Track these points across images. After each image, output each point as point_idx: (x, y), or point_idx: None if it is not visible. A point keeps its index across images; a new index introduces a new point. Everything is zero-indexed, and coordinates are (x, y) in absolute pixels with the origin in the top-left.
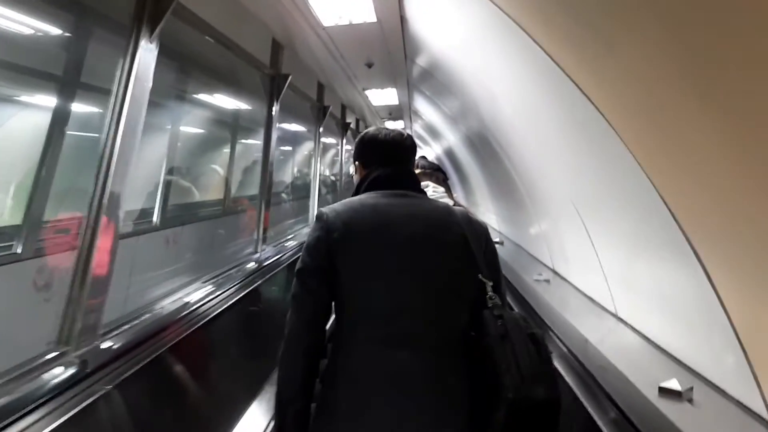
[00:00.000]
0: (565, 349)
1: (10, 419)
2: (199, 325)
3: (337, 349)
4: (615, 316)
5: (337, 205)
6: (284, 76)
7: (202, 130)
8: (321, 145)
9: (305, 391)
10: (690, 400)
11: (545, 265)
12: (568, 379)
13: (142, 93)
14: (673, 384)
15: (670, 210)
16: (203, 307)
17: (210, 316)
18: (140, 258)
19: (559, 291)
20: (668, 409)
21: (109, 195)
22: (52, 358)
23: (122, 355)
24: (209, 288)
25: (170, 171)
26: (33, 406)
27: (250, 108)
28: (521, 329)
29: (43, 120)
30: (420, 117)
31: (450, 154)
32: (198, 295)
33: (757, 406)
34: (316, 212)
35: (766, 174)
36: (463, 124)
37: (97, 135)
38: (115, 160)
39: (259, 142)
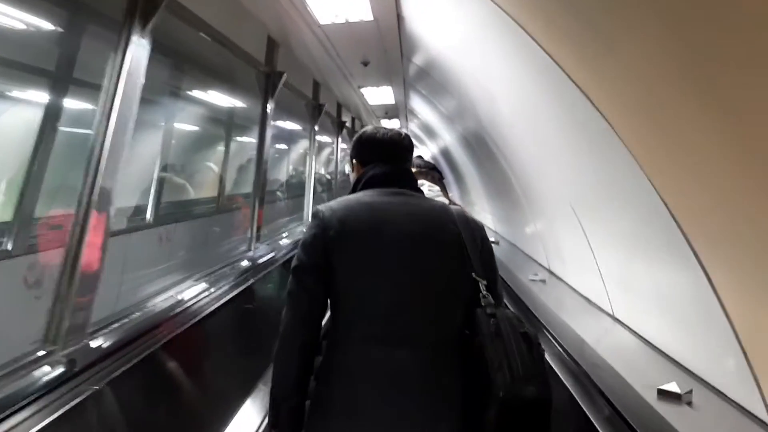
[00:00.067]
0: (561, 350)
1: None
2: (190, 323)
3: (332, 346)
4: (612, 317)
5: (334, 203)
6: (279, 73)
7: (196, 128)
8: (316, 144)
9: (300, 388)
10: (689, 403)
11: (541, 265)
12: (564, 379)
13: (133, 89)
14: (673, 387)
15: (669, 210)
16: (195, 305)
17: (202, 315)
18: (132, 255)
19: (555, 291)
20: (667, 411)
21: (99, 191)
22: (39, 357)
23: (112, 354)
24: (201, 286)
25: (164, 168)
26: (17, 406)
27: (245, 106)
28: (514, 328)
29: (35, 116)
30: (416, 116)
31: (446, 153)
32: (190, 293)
33: (758, 409)
34: (311, 210)
35: (767, 174)
36: (460, 123)
37: (89, 131)
38: (106, 156)
39: (254, 140)
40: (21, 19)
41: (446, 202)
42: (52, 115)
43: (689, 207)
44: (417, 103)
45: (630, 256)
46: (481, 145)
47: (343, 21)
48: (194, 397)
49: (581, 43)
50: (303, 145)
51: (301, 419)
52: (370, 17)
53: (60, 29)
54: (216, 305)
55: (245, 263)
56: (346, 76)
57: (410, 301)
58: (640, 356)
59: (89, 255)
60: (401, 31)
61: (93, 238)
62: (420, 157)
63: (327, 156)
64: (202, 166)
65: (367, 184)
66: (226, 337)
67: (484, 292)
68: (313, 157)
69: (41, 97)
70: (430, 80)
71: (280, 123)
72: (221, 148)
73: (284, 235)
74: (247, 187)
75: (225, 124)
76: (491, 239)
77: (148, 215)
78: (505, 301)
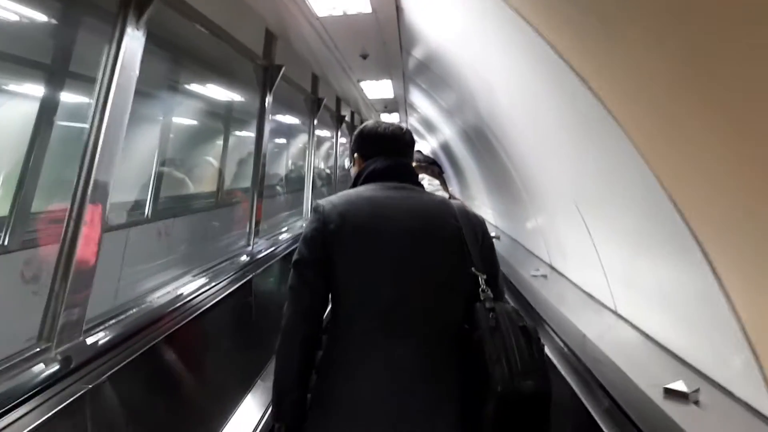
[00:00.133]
0: (563, 346)
1: None
2: (188, 319)
3: (332, 340)
4: (615, 312)
5: (334, 198)
6: (277, 66)
7: (194, 122)
8: (315, 138)
9: (301, 382)
10: (696, 402)
11: (542, 260)
12: (567, 376)
13: (128, 81)
14: (679, 385)
15: (674, 203)
16: (193, 301)
17: (200, 310)
18: (131, 250)
19: (556, 287)
20: (674, 411)
21: (93, 185)
22: (32, 355)
23: (108, 351)
24: (200, 282)
25: (163, 162)
26: (9, 405)
27: (243, 99)
28: (513, 322)
29: (29, 109)
30: (416, 110)
31: (445, 147)
32: (188, 288)
33: (767, 408)
34: (310, 205)
35: None
36: (459, 117)
37: (84, 125)
38: (100, 149)
39: (253, 134)
40: (13, 10)
41: (446, 196)
42: (47, 109)
43: (694, 199)
44: (416, 97)
45: (633, 250)
46: (480, 138)
47: (341, 13)
48: (193, 393)
49: (582, 32)
50: (302, 139)
51: (303, 413)
52: (368, 9)
53: (52, 20)
54: (214, 301)
55: (244, 258)
56: (345, 70)
57: (410, 296)
58: (644, 353)
59: (84, 250)
60: (400, 23)
61: (88, 233)
62: (419, 151)
63: (326, 150)
64: (200, 160)
65: (368, 178)
66: (225, 334)
67: (484, 287)
68: (312, 152)
69: (36, 90)
70: (430, 73)
71: (279, 117)
72: (220, 142)
73: (284, 229)
74: (247, 182)
75: (223, 118)
76: (492, 234)
77: (147, 210)
78: (507, 296)
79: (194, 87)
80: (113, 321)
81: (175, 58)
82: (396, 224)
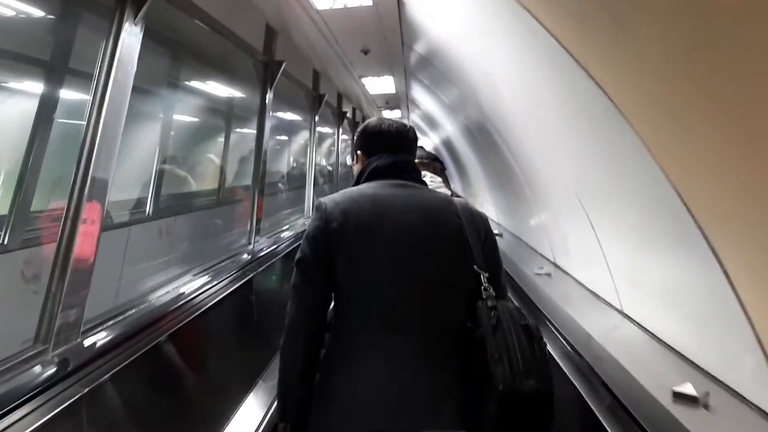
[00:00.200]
0: (567, 346)
1: None
2: (189, 319)
3: (334, 338)
4: (620, 311)
5: (337, 195)
6: (278, 62)
7: (194, 118)
8: (317, 135)
9: (306, 380)
10: (706, 406)
11: (546, 258)
12: (572, 377)
13: (125, 77)
14: (689, 389)
15: (681, 198)
16: (193, 300)
17: (201, 310)
18: (132, 249)
19: (560, 285)
20: (684, 415)
21: (90, 182)
22: (29, 357)
23: (107, 353)
24: (200, 281)
25: (164, 160)
26: (5, 409)
27: (244, 96)
28: (515, 320)
29: (30, 107)
30: (417, 106)
31: (448, 144)
32: (188, 288)
33: None
34: (312, 202)
35: None
36: (462, 113)
37: (82, 122)
38: (98, 146)
39: (254, 131)
40: (8, 5)
41: (448, 193)
42: (46, 106)
43: (701, 193)
44: (418, 93)
45: (638, 247)
46: (483, 134)
47: (341, 6)
48: (194, 394)
49: (588, 24)
50: (304, 136)
51: (308, 411)
52: (369, 2)
53: (48, 15)
54: (215, 300)
55: (245, 257)
56: (346, 66)
57: (411, 294)
58: (651, 353)
59: (82, 250)
60: (401, 17)
61: (86, 232)
62: (422, 147)
63: (328, 147)
64: (201, 157)
65: (371, 175)
66: (226, 333)
67: (486, 285)
68: (314, 148)
69: (34, 87)
70: (432, 69)
71: (281, 114)
72: (221, 139)
73: (285, 227)
74: (249, 179)
75: (225, 115)
76: (495, 232)
77: (148, 208)
78: (510, 295)
79: (194, 84)
80: (112, 322)
81: (174, 54)
82: (398, 222)
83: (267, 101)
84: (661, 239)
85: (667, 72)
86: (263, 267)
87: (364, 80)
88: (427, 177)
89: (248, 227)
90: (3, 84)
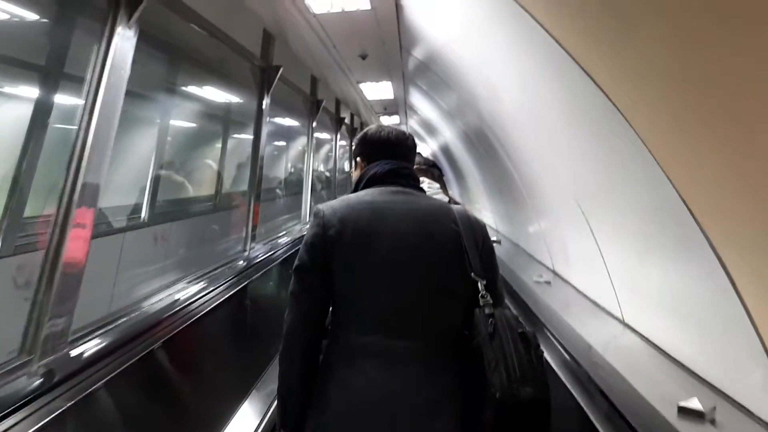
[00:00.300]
0: (568, 357)
1: None
2: (181, 327)
3: (331, 345)
4: (622, 321)
5: (335, 202)
6: (275, 67)
7: (191, 124)
8: (314, 140)
9: (304, 387)
10: (713, 422)
11: (544, 265)
12: (574, 391)
13: (119, 81)
14: (695, 403)
15: (686, 204)
16: (187, 308)
17: (194, 318)
18: (126, 256)
19: (560, 293)
20: (688, 430)
21: (81, 188)
22: (13, 368)
23: (96, 362)
24: (194, 288)
25: (159, 165)
26: None
27: (241, 101)
28: (512, 328)
29: (24, 111)
30: (416, 112)
31: (446, 150)
32: (182, 295)
33: None
34: (309, 208)
35: None
36: (460, 119)
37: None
38: (88, 151)
39: (251, 137)
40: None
41: (446, 199)
42: (40, 111)
43: (707, 199)
44: (417, 99)
45: (640, 254)
46: (482, 140)
47: (339, 10)
48: (187, 405)
49: (589, 24)
50: (301, 142)
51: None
52: (367, 6)
53: (39, 18)
54: (208, 309)
55: (241, 263)
56: (344, 71)
57: (408, 301)
58: (654, 365)
59: (71, 257)
60: (400, 21)
61: (75, 239)
62: (419, 153)
63: (326, 153)
64: (198, 163)
65: (369, 182)
66: (220, 341)
67: (483, 292)
68: (311, 154)
69: (28, 91)
70: (430, 74)
71: (279, 119)
72: (218, 144)
73: (282, 233)
74: (246, 185)
75: (222, 120)
76: (493, 238)
77: (143, 214)
78: (509, 303)
79: (191, 89)
80: (102, 330)
81: (171, 59)
82: (395, 229)
83: (264, 106)
84: (664, 245)
85: (671, 72)
86: (258, 274)
87: (362, 86)
88: (425, 183)
89: (243, 234)
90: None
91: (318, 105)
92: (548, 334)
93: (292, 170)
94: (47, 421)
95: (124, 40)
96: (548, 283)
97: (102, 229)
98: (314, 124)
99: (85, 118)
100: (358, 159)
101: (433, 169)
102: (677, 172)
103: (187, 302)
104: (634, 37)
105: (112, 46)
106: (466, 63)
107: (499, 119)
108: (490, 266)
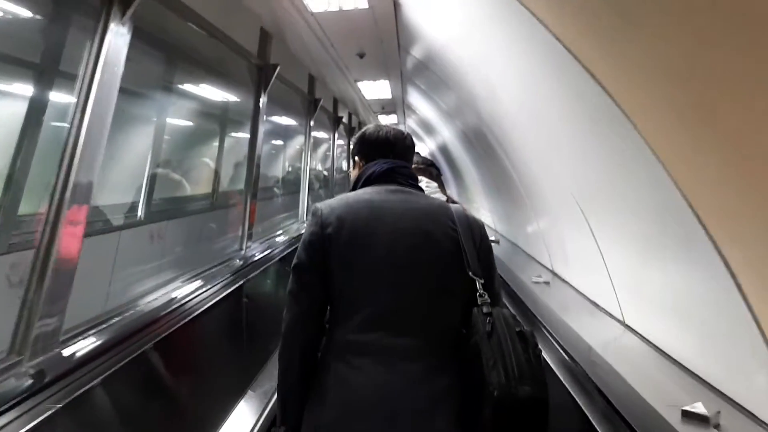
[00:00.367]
0: (568, 358)
1: None
2: (176, 326)
3: (329, 343)
4: (622, 323)
5: (333, 201)
6: (272, 66)
7: (188, 122)
8: (312, 139)
9: (304, 385)
10: (717, 426)
11: (543, 266)
12: (575, 394)
13: (112, 79)
14: (699, 407)
15: (689, 203)
16: (182, 307)
17: (189, 317)
18: (122, 254)
19: (559, 294)
20: None
21: (73, 186)
22: (1, 369)
23: (88, 363)
24: (190, 287)
25: (156, 163)
26: None
27: (239, 100)
28: (510, 327)
29: (17, 109)
30: (414, 112)
31: (444, 150)
32: (177, 294)
33: None
34: (307, 207)
35: None
36: (459, 119)
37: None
38: (81, 148)
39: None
40: None
41: (444, 198)
42: (36, 107)
43: (712, 198)
44: (415, 98)
45: (642, 254)
46: (480, 140)
47: (337, 8)
48: (182, 404)
49: (593, 25)
50: (299, 141)
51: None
52: (364, 4)
53: (31, 14)
54: (204, 307)
55: (237, 262)
56: (341, 69)
57: (406, 300)
58: (656, 369)
59: (62, 255)
60: (398, 20)
61: (67, 238)
62: (417, 153)
63: (324, 152)
64: (195, 161)
65: (367, 181)
66: (215, 341)
67: (481, 291)
68: (309, 153)
69: (22, 89)
70: (429, 73)
71: (276, 118)
72: (215, 143)
73: (278, 232)
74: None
75: (219, 119)
76: (491, 238)
77: (140, 212)
78: (508, 304)
79: (188, 87)
80: (95, 330)
81: (167, 57)
82: (394, 228)
83: (261, 105)
84: (666, 245)
85: (675, 71)
86: (255, 273)
87: (360, 84)
88: (423, 182)
89: (240, 233)
90: None
91: (316, 104)
92: (547, 335)
93: (290, 169)
94: (36, 423)
95: (117, 37)
96: (547, 283)
97: (97, 227)
98: (312, 123)
99: (78, 115)
100: (356, 158)
101: (431, 168)
102: (680, 170)
103: (183, 301)
104: (638, 35)
105: (105, 43)
106: (465, 62)
107: (498, 118)
108: (487, 265)
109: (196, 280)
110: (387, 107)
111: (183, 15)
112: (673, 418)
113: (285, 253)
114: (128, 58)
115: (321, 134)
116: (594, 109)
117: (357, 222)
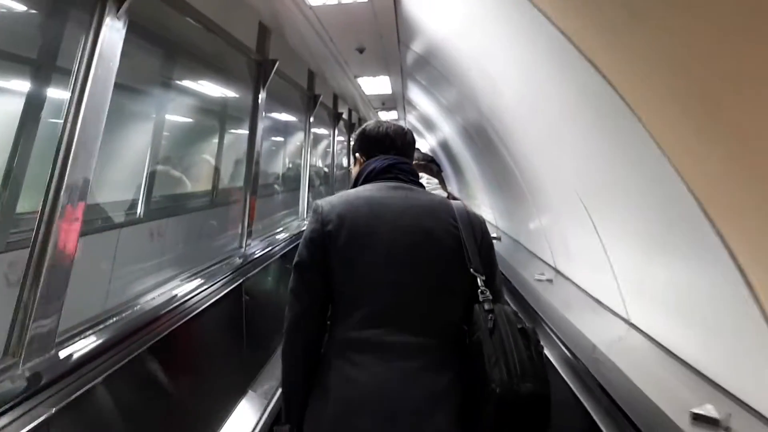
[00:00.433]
0: (571, 357)
1: None
2: (175, 326)
3: (330, 340)
4: (627, 321)
5: (333, 198)
6: (272, 61)
7: (186, 118)
8: (312, 136)
9: (308, 382)
10: (728, 429)
11: (545, 263)
12: (581, 396)
13: (107, 74)
14: (709, 410)
15: (696, 199)
16: (180, 307)
17: (187, 317)
18: (121, 252)
19: (562, 292)
20: None
21: (68, 183)
22: None
23: (85, 364)
24: (189, 286)
25: (155, 160)
26: None
27: (238, 96)
28: (511, 324)
29: (15, 105)
30: (414, 108)
31: (444, 146)
32: (175, 293)
33: None
34: (307, 204)
35: None
36: (460, 114)
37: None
38: (75, 144)
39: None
40: None
41: (445, 194)
42: (33, 103)
43: (720, 194)
44: (415, 94)
45: (647, 251)
46: (481, 135)
47: (336, 2)
48: (182, 404)
49: (596, 16)
50: (299, 137)
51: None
52: None
53: (23, 7)
54: (204, 306)
55: (236, 261)
56: (341, 65)
57: (407, 297)
58: (663, 368)
59: (58, 254)
60: (398, 14)
61: (62, 236)
62: (418, 149)
63: (324, 148)
64: (194, 158)
65: (368, 177)
66: (216, 341)
67: (483, 288)
68: (309, 150)
69: (19, 85)
70: (429, 68)
71: (275, 114)
72: (215, 139)
73: (279, 229)
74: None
75: (218, 115)
76: (493, 235)
77: (139, 209)
78: (510, 301)
79: (186, 83)
80: (92, 330)
81: (164, 52)
82: (394, 225)
83: (260, 101)
84: (672, 242)
85: (680, 63)
86: (255, 271)
87: (360, 80)
88: (424, 179)
89: (239, 230)
90: None
91: (315, 100)
92: (551, 333)
93: (290, 165)
94: (32, 427)
95: (112, 32)
96: (550, 281)
97: (96, 225)
98: (311, 119)
99: (72, 110)
100: (357, 154)
101: (431, 165)
102: (687, 165)
103: (182, 300)
104: (642, 27)
105: (100, 38)
106: (466, 56)
107: (499, 113)
108: (489, 262)
109: (196, 278)
110: (387, 103)
111: (180, 9)
112: (682, 421)
113: (285, 250)
114: (125, 54)
115: (321, 130)
116: (598, 102)
117: (357, 219)
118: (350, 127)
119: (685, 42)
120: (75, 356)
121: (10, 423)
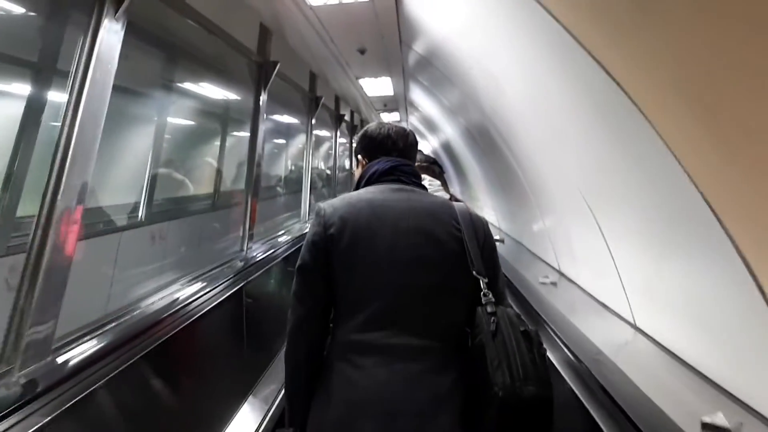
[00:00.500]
0: (576, 362)
1: None
2: (174, 331)
3: (333, 342)
4: (633, 325)
5: (336, 201)
6: (273, 63)
7: (188, 121)
8: (314, 138)
9: (311, 385)
10: None
11: (549, 265)
12: (587, 404)
13: (105, 76)
14: (720, 419)
15: (706, 200)
16: (181, 311)
17: (188, 321)
18: (122, 255)
19: (567, 295)
20: None
21: (65, 187)
22: None
23: (83, 370)
24: (190, 290)
25: (157, 163)
26: None
27: (239, 98)
28: (514, 326)
29: (15, 108)
30: (416, 109)
31: (447, 147)
32: (176, 297)
33: None
34: (309, 206)
35: None
36: (462, 115)
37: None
38: (73, 147)
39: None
40: None
41: (447, 196)
42: (34, 107)
43: (730, 196)
44: (417, 95)
45: (654, 254)
46: (484, 136)
47: (336, 2)
48: (182, 409)
49: (601, 11)
50: (301, 139)
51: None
52: None
53: (20, 9)
54: (205, 310)
55: (238, 264)
56: (342, 66)
57: (410, 299)
58: (671, 374)
59: (54, 259)
60: (399, 14)
61: (59, 240)
62: (420, 151)
63: (326, 150)
64: (196, 160)
65: (370, 179)
66: (217, 344)
67: (485, 290)
68: (311, 152)
69: (19, 88)
70: (431, 69)
71: (277, 117)
72: (217, 142)
73: (281, 232)
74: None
75: (219, 117)
76: (496, 237)
77: (141, 212)
78: (513, 304)
79: (188, 85)
80: (91, 336)
81: (165, 54)
82: (396, 227)
83: (261, 103)
84: (681, 245)
85: (688, 59)
86: (256, 274)
87: (362, 81)
88: (426, 180)
89: (241, 233)
90: None
91: (317, 102)
92: (555, 337)
93: (292, 168)
94: None
95: (110, 34)
96: (554, 284)
97: (98, 228)
98: (313, 121)
99: (70, 113)
100: (359, 157)
101: (433, 166)
102: (695, 165)
103: (183, 304)
104: (648, 24)
105: (98, 40)
106: (468, 56)
107: (502, 114)
108: (491, 264)
109: (197, 281)
110: (389, 104)
111: (180, 10)
112: (692, 430)
113: (287, 253)
114: (125, 56)
115: (323, 132)
116: (603, 100)
117: (359, 222)
118: (352, 129)
119: (691, 38)
120: (72, 362)
121: (6, 431)
